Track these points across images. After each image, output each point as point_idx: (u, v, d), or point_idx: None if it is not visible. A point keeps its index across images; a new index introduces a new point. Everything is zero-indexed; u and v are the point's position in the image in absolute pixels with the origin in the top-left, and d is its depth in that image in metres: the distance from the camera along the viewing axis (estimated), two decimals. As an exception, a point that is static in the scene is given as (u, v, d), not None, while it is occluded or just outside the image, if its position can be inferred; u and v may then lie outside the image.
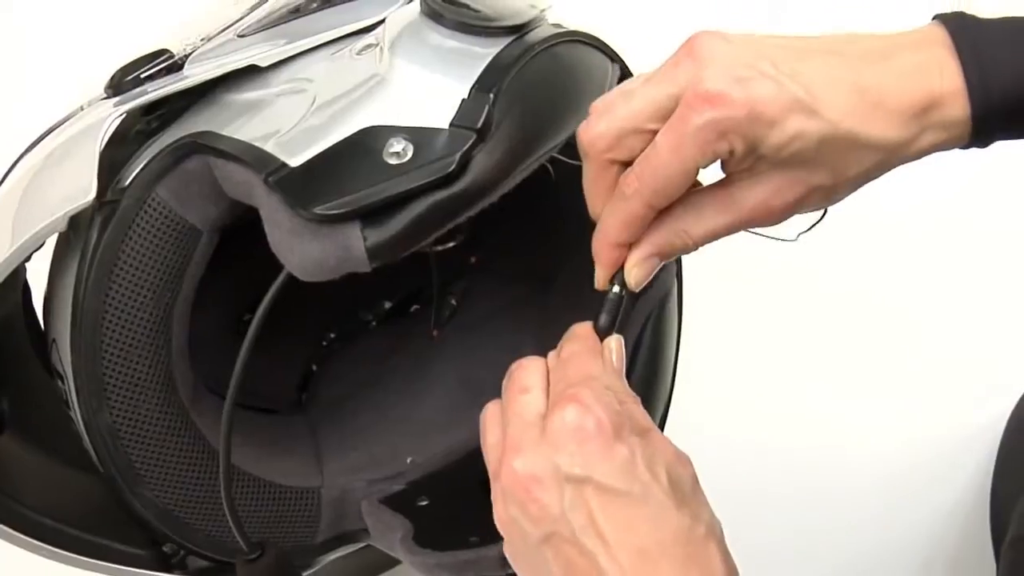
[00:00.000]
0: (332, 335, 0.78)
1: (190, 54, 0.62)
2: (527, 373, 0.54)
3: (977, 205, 1.04)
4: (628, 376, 0.57)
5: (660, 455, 0.50)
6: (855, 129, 0.49)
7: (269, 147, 0.53)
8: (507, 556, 0.53)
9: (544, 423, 0.50)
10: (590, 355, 0.54)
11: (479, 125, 0.51)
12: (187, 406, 0.60)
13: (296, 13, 0.62)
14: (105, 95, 0.63)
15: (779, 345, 1.01)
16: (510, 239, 0.73)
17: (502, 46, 0.55)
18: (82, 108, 0.64)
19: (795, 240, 0.60)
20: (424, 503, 0.66)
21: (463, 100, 0.52)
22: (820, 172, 0.50)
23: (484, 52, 0.54)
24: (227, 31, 0.63)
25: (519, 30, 0.56)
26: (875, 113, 0.49)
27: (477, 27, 0.56)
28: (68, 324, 0.57)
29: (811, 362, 1.01)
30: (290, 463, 0.67)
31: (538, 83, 0.55)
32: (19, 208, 0.60)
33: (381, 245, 0.49)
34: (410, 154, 0.50)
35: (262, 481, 0.64)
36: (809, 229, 0.60)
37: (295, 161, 0.51)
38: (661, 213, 0.53)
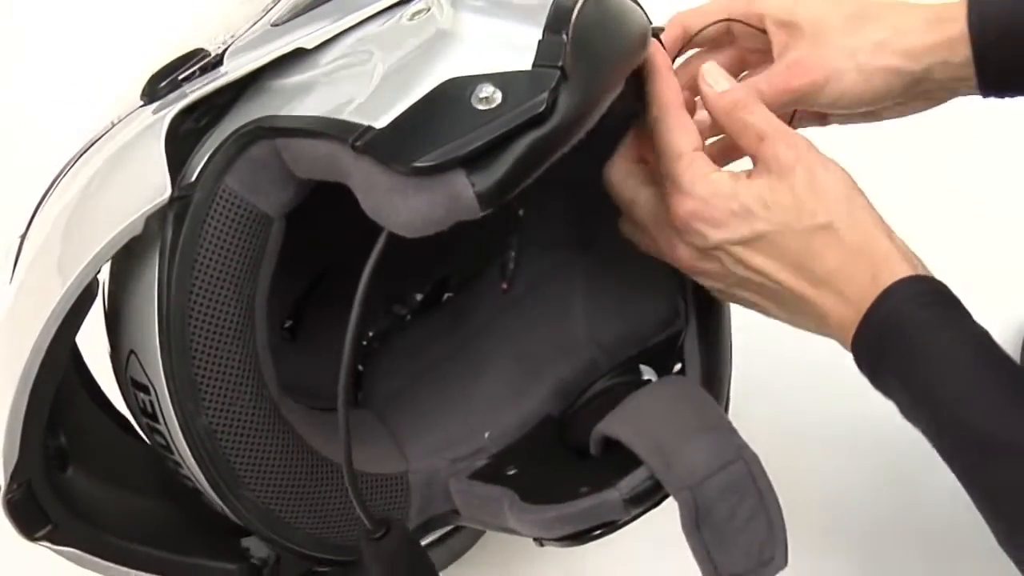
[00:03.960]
0: (371, 333, 0.78)
1: (225, 50, 0.61)
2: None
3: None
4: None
5: None
6: None
7: (345, 117, 0.52)
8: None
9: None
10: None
11: (561, 63, 0.51)
12: (276, 401, 0.59)
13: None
14: (141, 103, 0.61)
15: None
16: (547, 210, 0.74)
17: None
18: (113, 124, 0.63)
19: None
20: (513, 472, 0.65)
21: (539, 41, 0.52)
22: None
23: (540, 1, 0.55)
24: (258, 24, 0.63)
25: None
26: None
27: None
28: (152, 329, 0.55)
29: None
30: (373, 451, 0.66)
31: (597, 26, 0.55)
32: (69, 229, 0.59)
33: (490, 189, 0.49)
34: (499, 98, 0.50)
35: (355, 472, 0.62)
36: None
37: (379, 123, 0.51)
38: None
